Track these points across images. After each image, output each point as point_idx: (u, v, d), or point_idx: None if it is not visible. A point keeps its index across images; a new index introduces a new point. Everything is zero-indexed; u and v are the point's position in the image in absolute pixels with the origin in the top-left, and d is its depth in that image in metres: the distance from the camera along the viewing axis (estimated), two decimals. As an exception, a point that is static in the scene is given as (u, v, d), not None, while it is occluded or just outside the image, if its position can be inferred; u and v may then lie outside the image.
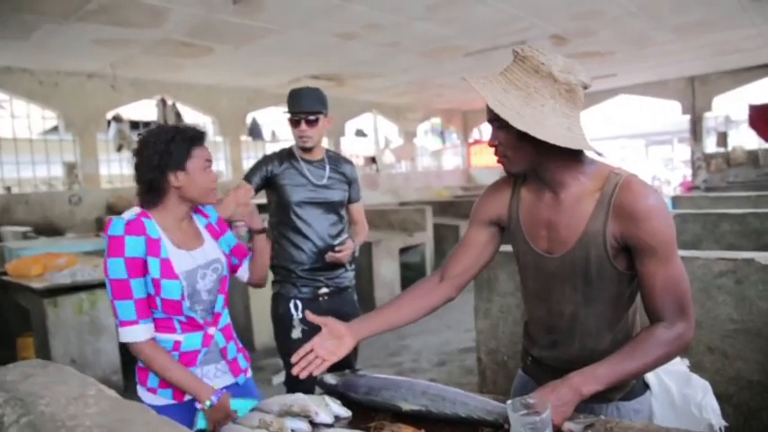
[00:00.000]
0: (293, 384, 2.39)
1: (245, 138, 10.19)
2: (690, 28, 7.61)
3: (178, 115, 8.98)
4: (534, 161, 1.26)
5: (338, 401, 1.55)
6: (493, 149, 1.30)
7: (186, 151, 1.58)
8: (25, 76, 7.62)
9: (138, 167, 1.59)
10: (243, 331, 4.86)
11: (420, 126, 14.36)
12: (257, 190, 2.43)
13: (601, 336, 1.34)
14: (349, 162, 2.58)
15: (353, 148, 13.19)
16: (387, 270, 6.19)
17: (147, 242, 1.54)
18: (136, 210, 1.59)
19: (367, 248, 6.05)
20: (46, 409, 0.83)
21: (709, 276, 1.86)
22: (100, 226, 7.82)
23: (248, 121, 10.26)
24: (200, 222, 1.74)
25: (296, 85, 2.47)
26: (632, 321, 1.37)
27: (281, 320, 2.38)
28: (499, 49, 7.80)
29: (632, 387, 1.35)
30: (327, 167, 2.45)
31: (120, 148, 8.41)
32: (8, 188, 7.66)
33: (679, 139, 20.39)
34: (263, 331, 4.59)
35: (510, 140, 1.23)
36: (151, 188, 1.58)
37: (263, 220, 1.97)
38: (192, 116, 9.54)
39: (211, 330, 1.67)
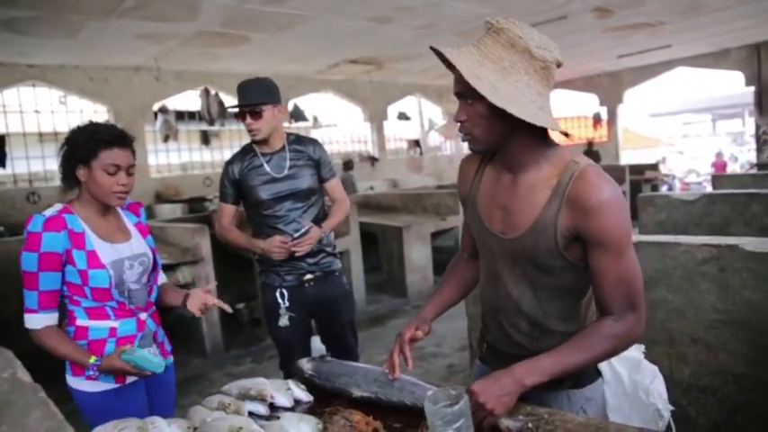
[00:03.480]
0: (286, 368, 2.47)
1: (287, 125, 10.38)
2: (746, -8, 7.07)
3: (221, 104, 9.21)
4: (501, 139, 1.22)
5: (303, 386, 1.60)
6: (459, 125, 1.25)
7: (92, 150, 1.62)
8: (77, 73, 8.05)
9: (59, 158, 1.67)
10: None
11: (465, 107, 14.12)
12: (237, 201, 2.45)
13: (548, 323, 1.31)
14: (312, 142, 2.50)
15: (397, 132, 13.15)
16: (418, 255, 6.16)
17: (70, 236, 1.62)
18: (58, 206, 1.66)
19: (397, 233, 6.05)
20: (-43, 391, 0.90)
21: (692, 263, 1.76)
22: (150, 214, 8.22)
23: (290, 107, 10.43)
24: (129, 220, 1.82)
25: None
26: (585, 313, 1.33)
27: (269, 309, 2.43)
28: (538, 25, 7.51)
29: (582, 374, 1.33)
30: (288, 156, 2.40)
31: (166, 139, 8.76)
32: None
33: (750, 112, 19.08)
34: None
35: (481, 117, 1.18)
36: (65, 176, 1.67)
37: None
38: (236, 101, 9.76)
39: (143, 316, 1.77)
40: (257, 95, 2.29)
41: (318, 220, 2.44)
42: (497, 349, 1.45)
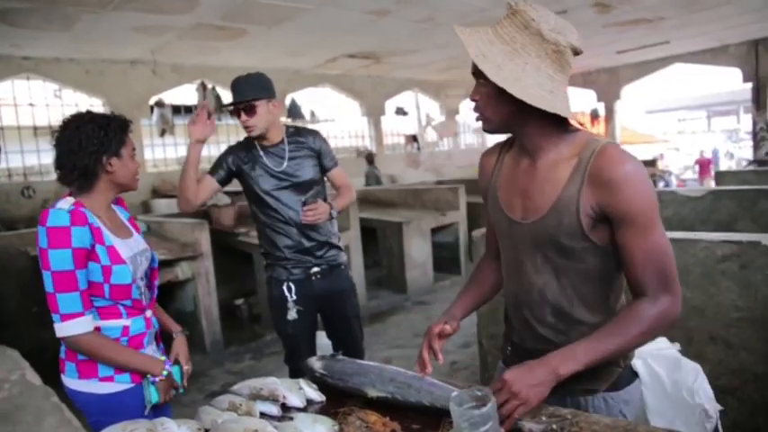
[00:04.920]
0: (293, 363, 2.44)
1: (284, 119, 10.29)
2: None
3: (218, 98, 9.11)
4: (510, 121, 1.21)
5: (315, 385, 1.56)
6: (474, 105, 1.25)
7: (122, 138, 1.62)
8: (72, 66, 7.94)
9: (69, 153, 1.56)
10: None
11: (462, 102, 14.05)
12: (222, 183, 2.43)
13: (574, 313, 1.25)
14: (312, 133, 2.49)
15: (394, 127, 13.08)
16: (418, 251, 6.13)
17: (92, 231, 1.55)
18: (69, 200, 1.57)
19: (397, 229, 6.02)
20: (-35, 393, 0.86)
21: (711, 260, 1.73)
22: (146, 209, 8.14)
23: (287, 102, 10.36)
24: (123, 215, 1.78)
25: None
26: (614, 305, 1.27)
27: (276, 303, 2.41)
28: (538, 19, 7.46)
29: (618, 376, 1.26)
30: (287, 149, 2.40)
31: (163, 133, 8.67)
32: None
33: (745, 108, 19.13)
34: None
35: (489, 97, 1.19)
36: (85, 173, 1.58)
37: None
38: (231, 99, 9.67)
39: (148, 313, 1.73)
40: (250, 91, 2.28)
41: None
42: (523, 348, 1.39)
